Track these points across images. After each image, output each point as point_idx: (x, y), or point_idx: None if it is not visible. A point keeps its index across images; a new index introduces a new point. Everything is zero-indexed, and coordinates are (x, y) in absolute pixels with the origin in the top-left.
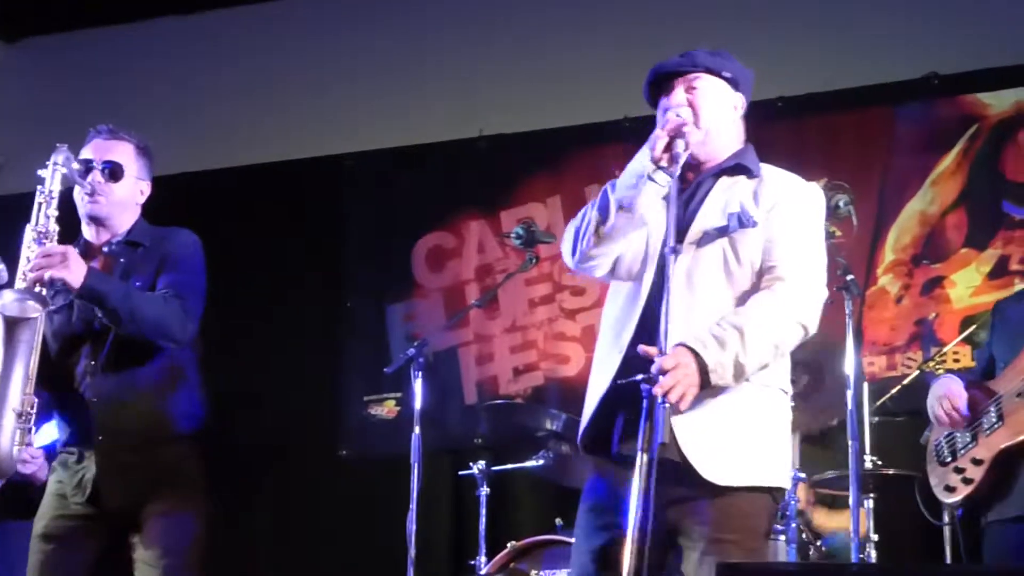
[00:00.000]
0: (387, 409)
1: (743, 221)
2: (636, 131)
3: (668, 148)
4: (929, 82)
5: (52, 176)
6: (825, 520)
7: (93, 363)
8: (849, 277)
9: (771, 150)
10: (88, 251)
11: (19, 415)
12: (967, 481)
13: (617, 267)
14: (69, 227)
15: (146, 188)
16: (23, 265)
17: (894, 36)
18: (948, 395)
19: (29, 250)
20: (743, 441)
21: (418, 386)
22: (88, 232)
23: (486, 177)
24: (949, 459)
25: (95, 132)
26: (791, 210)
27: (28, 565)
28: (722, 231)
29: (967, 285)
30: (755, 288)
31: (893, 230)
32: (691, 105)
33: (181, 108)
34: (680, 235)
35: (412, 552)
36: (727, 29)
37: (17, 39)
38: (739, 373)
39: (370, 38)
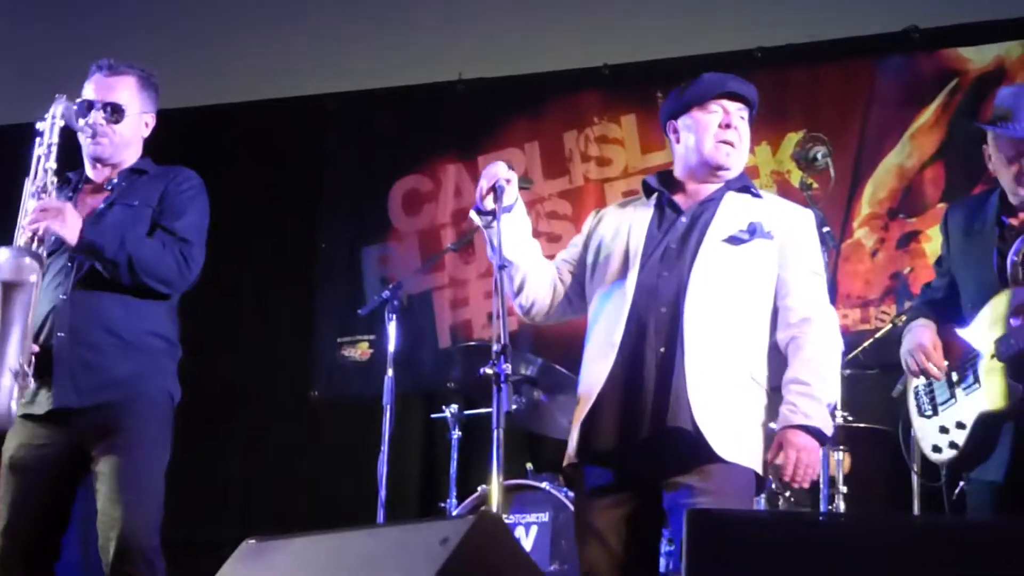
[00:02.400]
0: (360, 351)
1: (761, 232)
2: (615, 79)
3: (496, 198)
4: (910, 35)
5: (51, 129)
6: None
7: (70, 265)
8: (825, 229)
9: None
10: (90, 187)
11: (16, 373)
12: (953, 445)
13: (595, 272)
14: (73, 155)
15: (151, 120)
16: (21, 219)
17: None
18: (923, 348)
19: (27, 204)
20: (744, 426)
21: (392, 329)
22: (91, 170)
23: (464, 121)
24: (930, 412)
25: (96, 68)
26: (801, 243)
27: None
28: (750, 233)
29: None
30: (769, 300)
31: (870, 183)
32: (737, 130)
33: (160, 45)
34: (698, 237)
35: (383, 494)
36: None
37: None
38: (829, 412)
39: None
